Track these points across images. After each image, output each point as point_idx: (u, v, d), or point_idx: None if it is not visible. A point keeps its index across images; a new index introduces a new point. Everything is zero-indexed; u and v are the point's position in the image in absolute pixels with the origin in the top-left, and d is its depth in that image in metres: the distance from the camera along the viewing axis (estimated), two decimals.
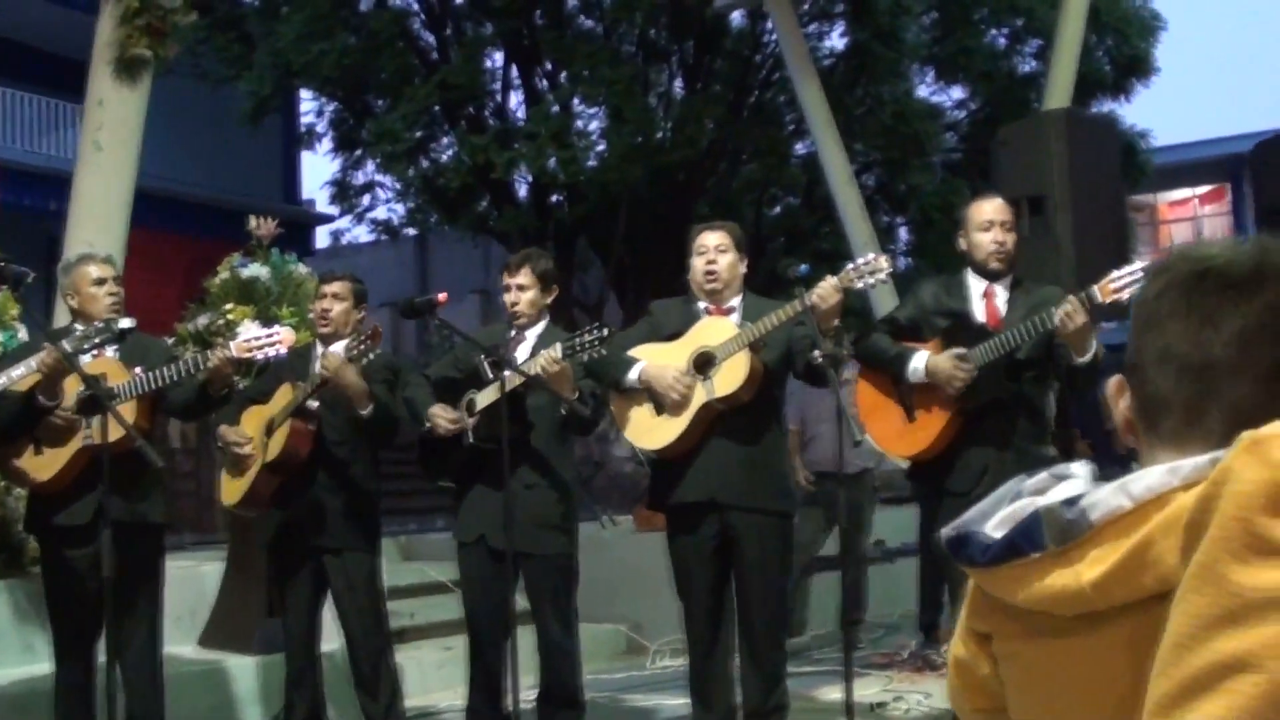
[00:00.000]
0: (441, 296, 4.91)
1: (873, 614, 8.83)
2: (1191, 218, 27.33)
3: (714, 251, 5.31)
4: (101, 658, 5.17)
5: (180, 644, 6.21)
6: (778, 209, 20.56)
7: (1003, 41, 19.19)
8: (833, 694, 6.82)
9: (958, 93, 19.92)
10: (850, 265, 4.92)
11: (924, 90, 19.57)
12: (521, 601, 5.46)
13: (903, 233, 20.37)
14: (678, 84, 19.17)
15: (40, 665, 5.39)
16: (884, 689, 6.95)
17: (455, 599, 8.32)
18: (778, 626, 5.26)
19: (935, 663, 7.24)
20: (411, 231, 21.60)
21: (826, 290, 4.84)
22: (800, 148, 19.69)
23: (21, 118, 20.08)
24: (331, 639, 5.82)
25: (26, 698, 5.42)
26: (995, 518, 1.50)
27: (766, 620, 5.21)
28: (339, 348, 5.43)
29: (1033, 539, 1.45)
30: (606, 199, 17.35)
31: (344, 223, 20.84)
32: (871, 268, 4.87)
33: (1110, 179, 6.12)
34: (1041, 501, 1.45)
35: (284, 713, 5.71)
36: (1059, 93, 12.27)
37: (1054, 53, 12.82)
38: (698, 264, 5.32)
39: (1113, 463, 5.63)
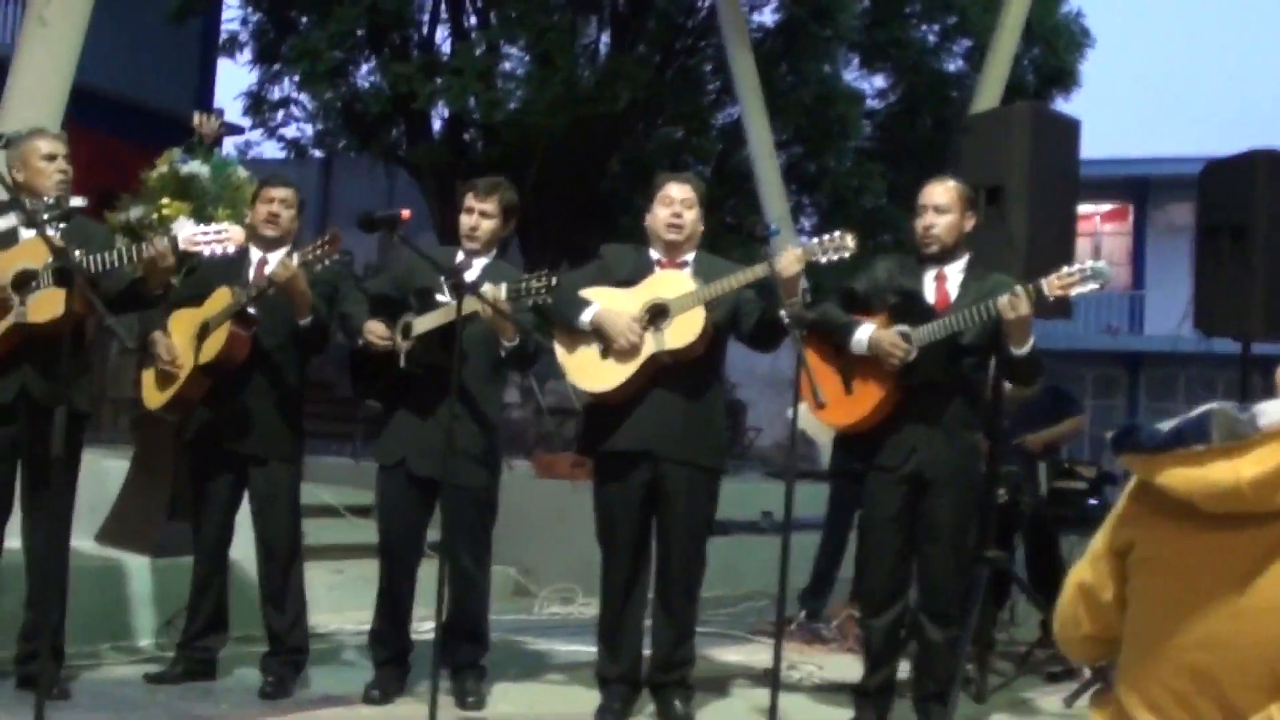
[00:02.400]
0: (405, 212, 4.82)
1: (757, 583, 8.92)
2: (1092, 233, 27.90)
3: (680, 204, 5.29)
4: (9, 542, 5.05)
5: (80, 538, 6.05)
6: (704, 180, 20.58)
7: (933, 38, 19.34)
8: (727, 656, 6.89)
9: (880, 81, 20.05)
10: (817, 240, 4.95)
11: (848, 75, 19.66)
12: (433, 533, 5.41)
13: (809, 215, 20.47)
14: (605, 38, 19.03)
15: None
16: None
17: (348, 524, 8.29)
18: (694, 582, 5.30)
19: (825, 637, 7.32)
20: (319, 154, 21.21)
21: (790, 261, 4.86)
22: (719, 119, 19.68)
23: None
24: (235, 548, 5.73)
25: None
26: (1169, 421, 1.57)
27: (685, 574, 5.24)
28: (280, 254, 5.33)
29: (1201, 432, 1.53)
30: (522, 144, 17.19)
31: (253, 136, 20.39)
32: (838, 244, 4.89)
33: (1066, 179, 6.18)
34: (1217, 406, 1.51)
35: (187, 614, 5.62)
36: (989, 95, 12.44)
37: (989, 55, 12.99)
38: (662, 214, 5.30)
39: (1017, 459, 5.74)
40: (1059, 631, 2.02)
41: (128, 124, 16.74)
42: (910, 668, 5.42)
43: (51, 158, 5.07)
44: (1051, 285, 4.87)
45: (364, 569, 6.01)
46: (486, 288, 5.02)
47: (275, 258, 5.39)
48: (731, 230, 15.92)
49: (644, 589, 5.33)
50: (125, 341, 4.33)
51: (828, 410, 5.08)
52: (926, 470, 5.12)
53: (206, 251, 4.92)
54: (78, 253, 4.80)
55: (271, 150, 20.65)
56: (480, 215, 5.44)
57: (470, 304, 4.95)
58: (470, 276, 5.34)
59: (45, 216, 4.64)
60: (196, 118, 6.45)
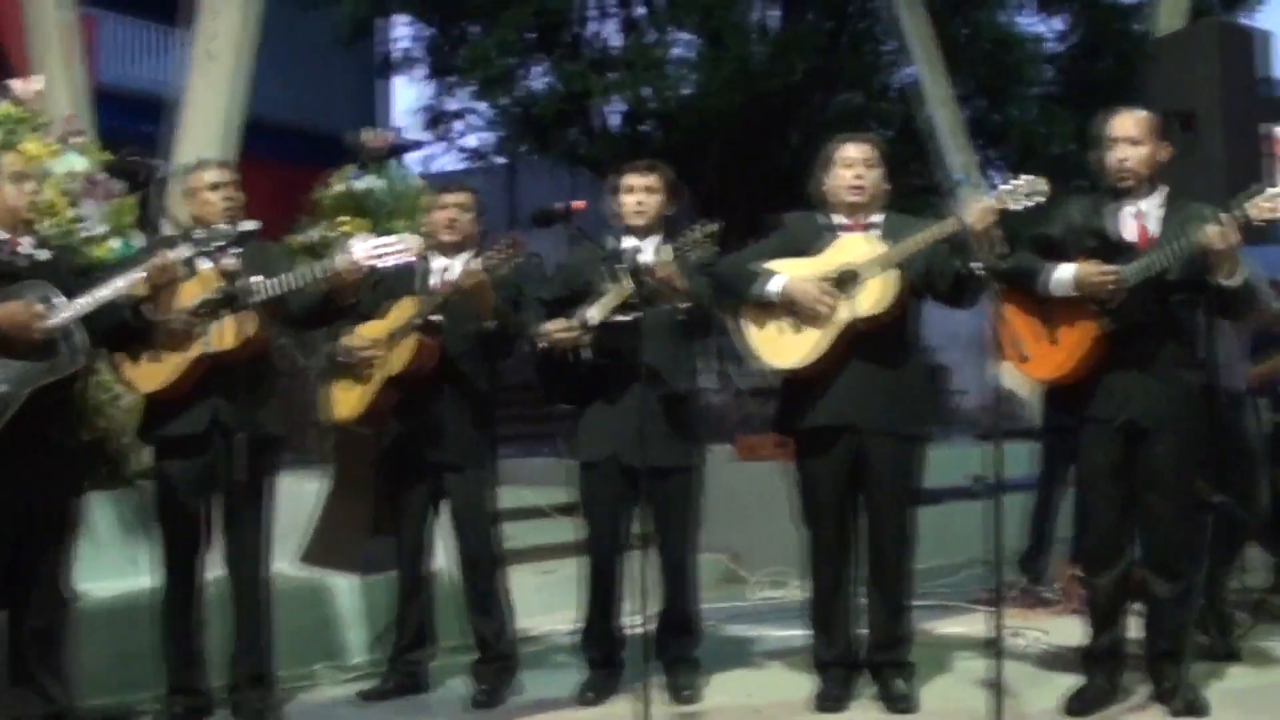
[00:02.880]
0: (577, 203, 4.72)
1: (974, 551, 8.61)
2: None
3: (861, 164, 5.09)
4: (207, 573, 5.08)
5: (283, 561, 6.09)
6: (883, 140, 20.18)
7: None
8: (948, 628, 6.64)
9: (1058, 23, 19.38)
10: (1007, 185, 4.68)
11: (1024, 20, 19.07)
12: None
13: (997, 168, 19.95)
14: (774, 11, 18.77)
15: (142, 579, 5.29)
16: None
17: (551, 524, 8.25)
18: (906, 555, 5.09)
19: (1048, 599, 7.03)
20: (500, 160, 21.38)
21: (980, 211, 4.62)
22: (896, 79, 19.26)
23: (117, 43, 20.05)
24: (438, 558, 5.71)
25: (129, 612, 5.33)
26: None
27: (896, 548, 5.04)
28: (461, 260, 5.27)
29: None
30: (700, 128, 17.05)
31: (434, 150, 20.67)
32: (1029, 189, 4.63)
33: (1262, 94, 5.80)
34: None
35: (395, 628, 5.61)
36: (1171, 21, 11.85)
37: None
38: (844, 175, 5.09)
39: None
40: None
41: (304, 151, 17.07)
42: (1141, 626, 5.11)
43: (216, 186, 5.07)
44: (1260, 208, 4.53)
45: (572, 568, 5.94)
46: (649, 257, 4.93)
47: (458, 264, 5.34)
48: (920, 191, 15.56)
49: (852, 568, 5.14)
50: (297, 361, 4.30)
51: (1032, 364, 4.84)
52: (1142, 418, 4.82)
53: (387, 263, 4.87)
54: (257, 277, 4.81)
55: (453, 162, 20.92)
56: (646, 191, 5.32)
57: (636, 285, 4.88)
58: (645, 257, 5.20)
59: (217, 244, 4.63)
60: (365, 132, 6.45)
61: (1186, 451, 4.91)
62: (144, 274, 4.61)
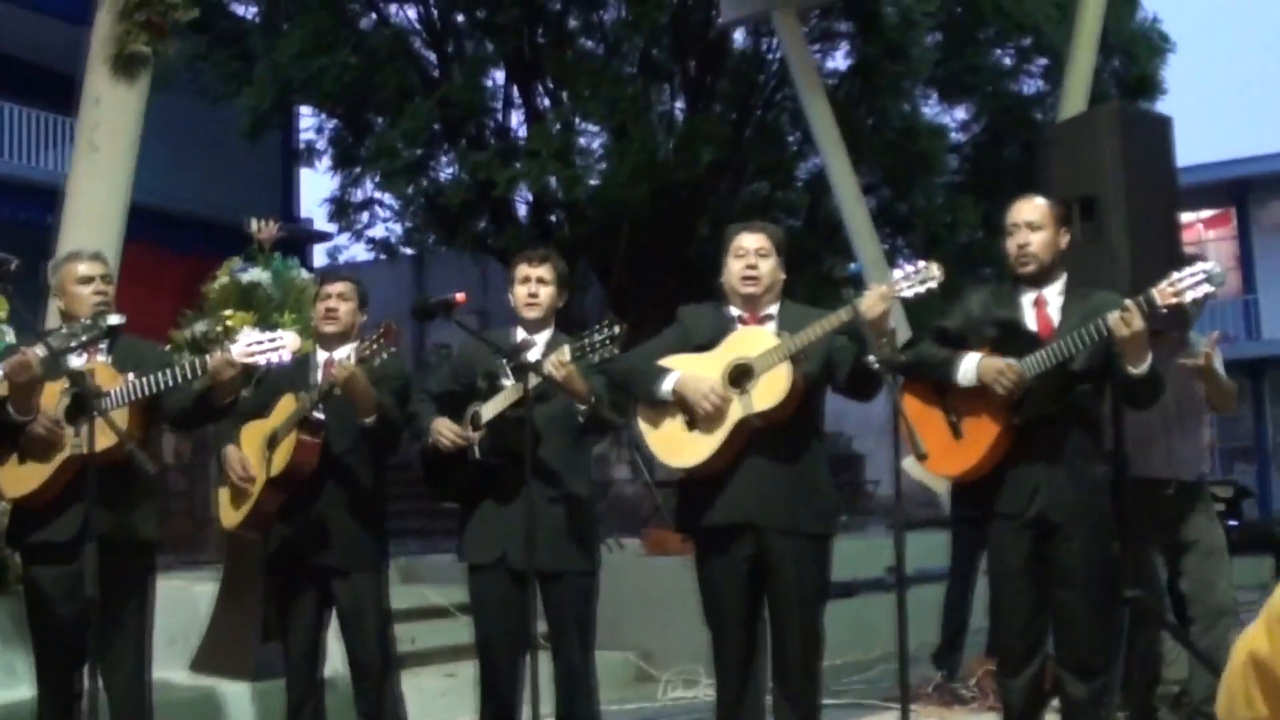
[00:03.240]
0: (459, 296, 4.56)
1: (890, 644, 8.47)
2: (1196, 241, 27.07)
3: (754, 255, 4.95)
4: (87, 682, 4.80)
5: (171, 669, 5.84)
6: (780, 228, 20.33)
7: (1009, 61, 18.96)
8: None
9: (961, 113, 19.70)
10: (900, 272, 4.57)
11: (928, 110, 19.33)
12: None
13: (905, 256, 20.13)
14: (679, 104, 18.89)
15: (22, 690, 5.03)
16: None
17: (457, 624, 8.01)
18: (814, 657, 4.89)
19: (964, 697, 6.88)
20: (409, 251, 21.26)
21: (873, 299, 4.50)
22: (803, 169, 19.41)
23: (18, 132, 19.81)
24: (332, 664, 5.46)
25: None
26: None
27: (802, 650, 4.84)
28: (345, 351, 5.09)
29: None
30: (608, 218, 17.06)
31: (341, 240, 20.52)
32: (923, 275, 4.52)
33: (1164, 180, 5.76)
34: None
35: None
36: (1072, 110, 12.00)
37: (1067, 68, 12.59)
38: (735, 267, 4.96)
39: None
40: (1224, 712, 1.61)
41: (215, 243, 16.90)
42: None
43: (88, 280, 4.87)
44: (1163, 294, 4.47)
45: (474, 671, 5.74)
46: (550, 358, 4.74)
47: (340, 355, 5.16)
48: (829, 282, 15.63)
49: (762, 668, 4.94)
50: (146, 468, 4.09)
51: (936, 460, 4.73)
52: (1052, 512, 4.71)
53: (262, 361, 4.67)
54: (130, 375, 4.60)
55: (361, 253, 20.76)
56: (538, 282, 5.17)
57: (535, 381, 4.71)
58: (535, 354, 5.07)
59: (77, 341, 4.40)
60: (253, 223, 6.27)
61: (1097, 546, 4.80)
62: (4, 372, 4.38)
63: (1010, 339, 4.76)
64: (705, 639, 5.05)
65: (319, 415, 5.03)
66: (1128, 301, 4.51)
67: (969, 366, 4.76)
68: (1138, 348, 4.55)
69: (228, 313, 6.05)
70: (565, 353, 4.69)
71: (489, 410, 4.95)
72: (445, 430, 5.00)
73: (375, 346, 4.80)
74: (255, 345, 4.67)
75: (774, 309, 4.98)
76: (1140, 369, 4.59)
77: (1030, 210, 4.90)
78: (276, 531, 5.22)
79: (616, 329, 4.62)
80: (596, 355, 4.67)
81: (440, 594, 8.40)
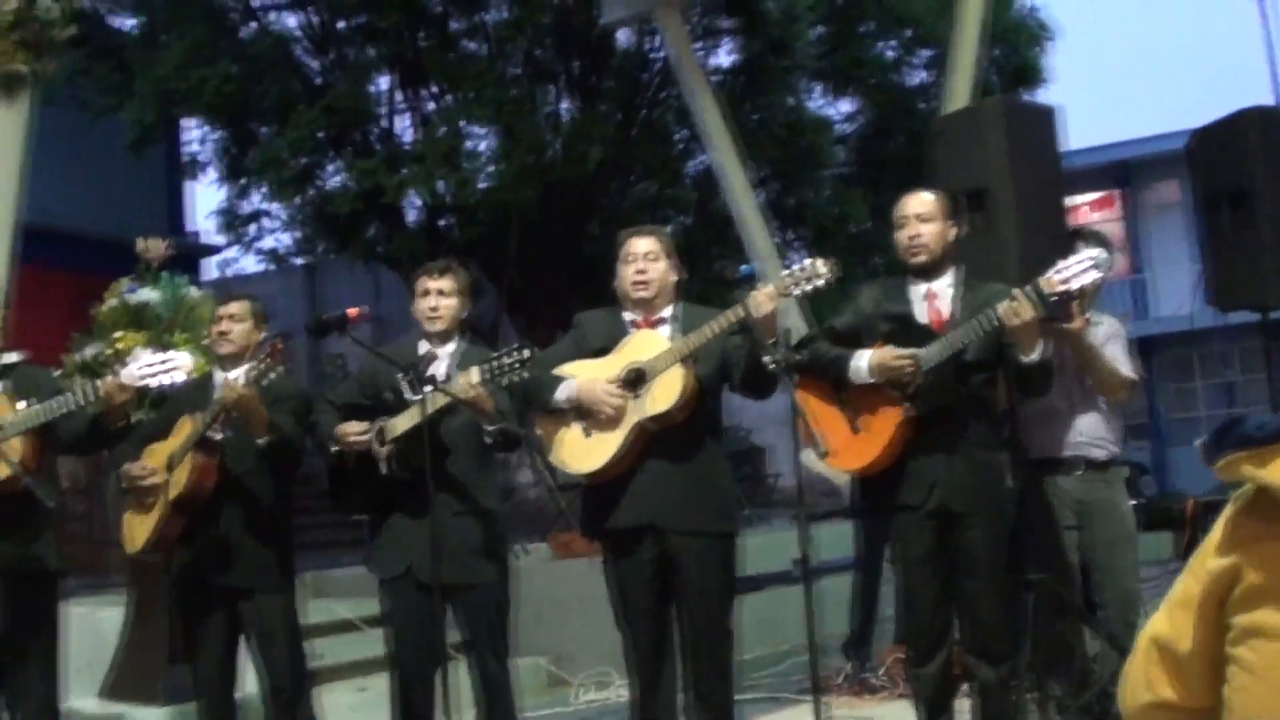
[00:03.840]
0: (353, 311, 4.54)
1: (799, 637, 8.55)
2: (1083, 224, 27.57)
3: (643, 259, 5.00)
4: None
5: (81, 697, 5.75)
6: (669, 228, 20.35)
7: (892, 53, 19.18)
8: None
9: (846, 106, 19.89)
10: (787, 271, 4.63)
11: (814, 104, 19.49)
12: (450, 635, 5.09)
13: (796, 249, 20.25)
14: (565, 104, 18.88)
15: None
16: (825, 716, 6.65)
17: (366, 638, 7.96)
18: (724, 655, 4.94)
19: (873, 686, 6.96)
20: (300, 261, 21.06)
21: (761, 299, 4.57)
22: (691, 166, 19.48)
23: None
24: (246, 683, 5.43)
25: None
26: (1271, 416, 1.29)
27: (712, 648, 4.89)
28: (239, 372, 5.05)
29: None
30: (498, 221, 17.01)
31: (231, 253, 20.29)
32: (810, 273, 4.58)
33: (1051, 170, 5.84)
34: None
35: None
36: (957, 100, 12.15)
37: (950, 60, 12.72)
38: (626, 272, 5.01)
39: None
40: (1127, 699, 1.66)
41: (102, 260, 16.62)
42: (971, 708, 5.04)
43: None
44: (1049, 283, 4.56)
45: (387, 683, 5.71)
46: (458, 380, 4.74)
47: (237, 375, 5.12)
48: (721, 282, 15.72)
49: (673, 666, 4.99)
50: (45, 501, 4.05)
51: (837, 456, 4.80)
52: (953, 502, 4.79)
53: (154, 383, 4.63)
54: (21, 403, 4.55)
55: (252, 264, 20.51)
56: (439, 295, 5.18)
57: (441, 396, 4.72)
58: (441, 366, 5.10)
59: None
60: (140, 242, 6.19)
61: (998, 533, 4.88)
62: None
63: (903, 333, 4.83)
64: (616, 640, 5.09)
65: (215, 436, 4.99)
66: (1016, 291, 4.60)
67: (860, 364, 4.83)
68: (1029, 336, 4.63)
69: (118, 334, 5.96)
70: (474, 375, 4.70)
71: (398, 425, 4.94)
72: (351, 432, 5.00)
73: (263, 366, 4.79)
74: (148, 368, 4.64)
75: (669, 311, 5.02)
76: (1032, 357, 4.67)
77: (919, 203, 4.98)
78: (179, 554, 5.18)
79: (526, 353, 4.65)
80: (505, 379, 4.69)
81: (350, 608, 8.34)
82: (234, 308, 5.31)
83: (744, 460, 18.73)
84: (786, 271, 4.65)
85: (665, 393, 4.74)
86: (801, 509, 4.41)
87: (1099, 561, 5.58)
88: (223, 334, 5.25)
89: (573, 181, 17.13)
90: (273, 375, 4.83)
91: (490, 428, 4.86)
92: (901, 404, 4.77)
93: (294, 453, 5.18)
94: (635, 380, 4.79)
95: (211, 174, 18.88)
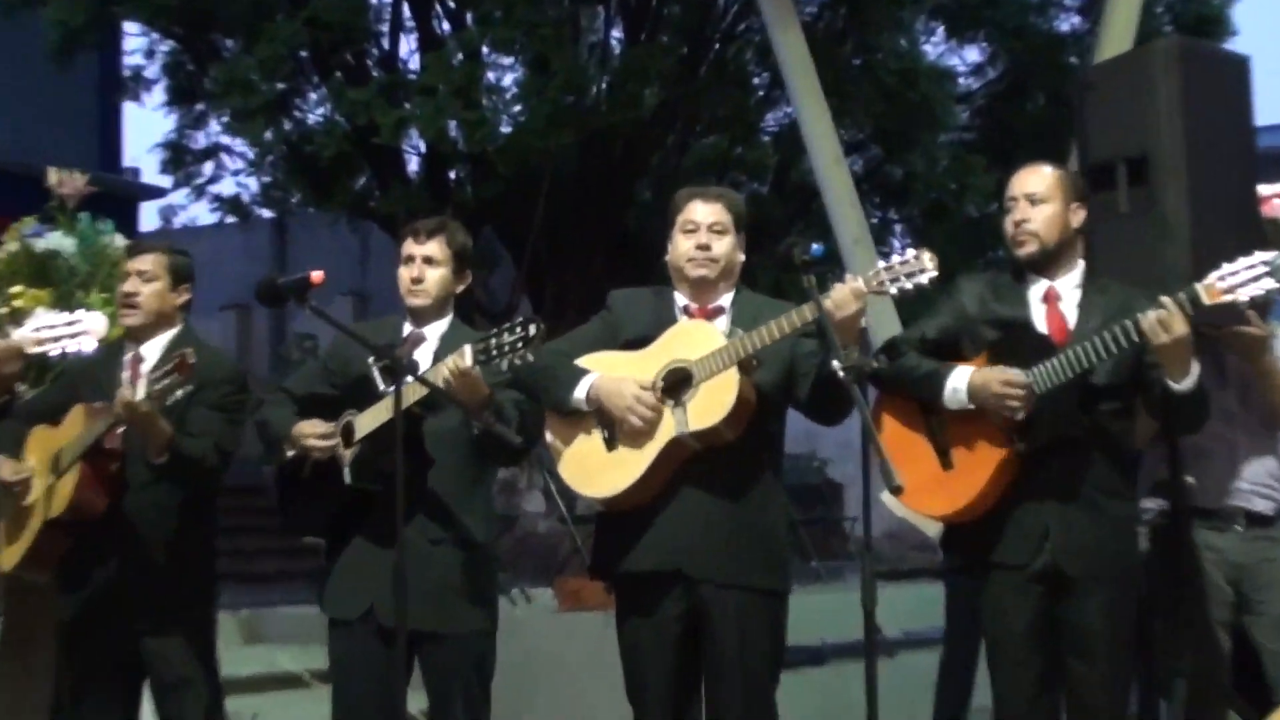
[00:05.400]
0: (315, 275, 4.54)
1: None
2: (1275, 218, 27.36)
3: (706, 230, 4.98)
4: None
5: None
6: (740, 197, 20.33)
7: None
8: None
9: (974, 54, 19.80)
10: (883, 263, 4.60)
11: (932, 49, 19.42)
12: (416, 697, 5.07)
13: (898, 234, 20.21)
14: (617, 31, 18.89)
15: None
16: None
17: (315, 695, 7.99)
18: None
19: None
20: (267, 213, 21.17)
21: (844, 296, 4.54)
22: (771, 120, 19.45)
23: None
24: None
25: None
26: None
27: None
28: (154, 349, 5.07)
29: None
30: (523, 176, 17.01)
31: (179, 197, 20.34)
32: (911, 268, 4.54)
33: (1239, 136, 5.69)
34: None
35: None
36: (1113, 53, 12.08)
37: (1107, 6, 12.66)
38: (683, 244, 5.00)
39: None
40: None
41: (10, 197, 16.76)
42: None
43: None
44: (1211, 291, 4.51)
45: None
46: (446, 361, 4.74)
47: (151, 353, 5.14)
48: (787, 265, 15.67)
49: None
50: None
51: (920, 495, 4.80)
52: (1067, 563, 4.77)
53: (55, 351, 4.67)
54: None
55: (205, 214, 20.61)
56: (424, 263, 5.18)
57: (437, 374, 4.72)
58: (425, 351, 5.11)
59: None
60: (53, 175, 6.23)
61: (1123, 605, 4.86)
62: None
63: (1015, 344, 4.82)
64: (628, 715, 5.08)
65: (113, 443, 5.04)
66: (1165, 300, 4.55)
67: (958, 385, 4.81)
68: (1180, 357, 4.59)
69: (16, 289, 5.99)
70: (466, 355, 4.68)
71: (367, 421, 4.95)
72: (311, 433, 5.02)
73: (167, 382, 4.79)
74: (48, 330, 4.66)
75: (728, 299, 5.01)
76: (1184, 384, 4.63)
77: (1033, 179, 4.98)
78: (74, 596, 5.22)
79: (532, 329, 4.60)
80: (506, 361, 4.66)
81: (294, 657, 8.38)
82: (145, 261, 5.32)
83: (815, 499, 18.66)
84: (883, 263, 4.62)
85: (714, 403, 4.70)
86: (866, 557, 4.36)
87: (1266, 644, 5.50)
88: (128, 297, 5.26)
89: (620, 130, 17.13)
90: (179, 394, 4.88)
91: (479, 426, 4.84)
92: (1007, 436, 4.74)
93: (205, 473, 5.21)
94: (678, 383, 4.77)
95: (157, 95, 18.99)
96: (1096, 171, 5.56)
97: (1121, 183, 5.44)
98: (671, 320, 4.98)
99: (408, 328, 5.21)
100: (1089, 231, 5.06)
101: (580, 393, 4.86)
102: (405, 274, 5.21)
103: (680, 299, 5.05)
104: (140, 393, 4.86)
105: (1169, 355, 4.59)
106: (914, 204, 18.78)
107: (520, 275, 18.61)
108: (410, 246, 5.22)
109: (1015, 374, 4.72)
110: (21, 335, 4.66)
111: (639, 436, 4.78)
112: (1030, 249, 4.93)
